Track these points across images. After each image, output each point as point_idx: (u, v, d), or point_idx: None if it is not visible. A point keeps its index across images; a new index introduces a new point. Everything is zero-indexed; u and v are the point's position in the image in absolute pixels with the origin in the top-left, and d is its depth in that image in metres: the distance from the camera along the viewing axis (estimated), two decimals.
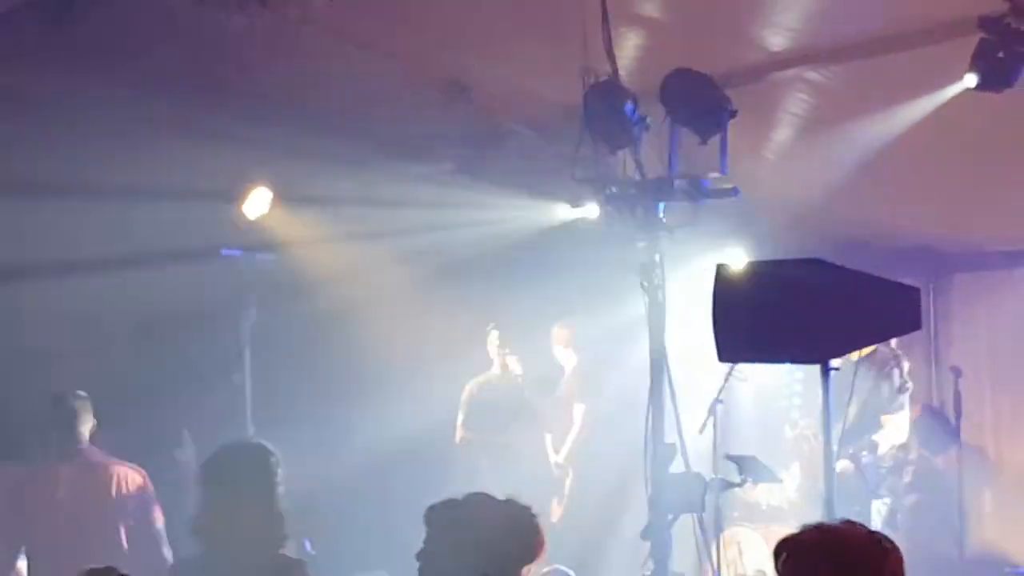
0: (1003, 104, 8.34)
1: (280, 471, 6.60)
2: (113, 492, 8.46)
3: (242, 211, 12.00)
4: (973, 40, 7.90)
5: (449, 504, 5.81)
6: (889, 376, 10.60)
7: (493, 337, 12.47)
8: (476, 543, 5.60)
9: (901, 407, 10.72)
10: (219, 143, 11.34)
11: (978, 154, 9.75)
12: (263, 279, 11.45)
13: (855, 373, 9.75)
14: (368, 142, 12.00)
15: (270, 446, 6.74)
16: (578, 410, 12.41)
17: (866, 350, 10.24)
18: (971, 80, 8.00)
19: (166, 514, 8.81)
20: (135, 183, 11.05)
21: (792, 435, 11.51)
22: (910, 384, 10.75)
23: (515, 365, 12.51)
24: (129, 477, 8.58)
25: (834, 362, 6.78)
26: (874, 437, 10.55)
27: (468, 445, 12.54)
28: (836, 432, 9.13)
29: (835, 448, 7.21)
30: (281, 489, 6.57)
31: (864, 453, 10.47)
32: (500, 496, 5.86)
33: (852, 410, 10.19)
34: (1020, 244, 11.92)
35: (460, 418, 12.38)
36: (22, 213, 10.80)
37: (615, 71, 7.06)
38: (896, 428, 10.69)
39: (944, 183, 10.47)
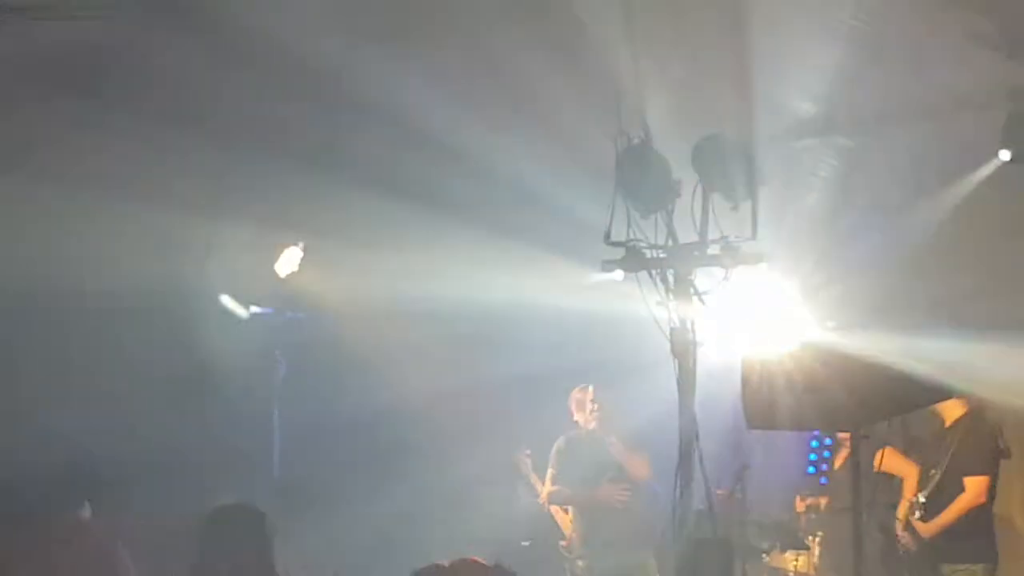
0: None
1: (274, 536, 6.64)
2: None
3: (274, 269, 12.05)
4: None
5: (435, 570, 5.78)
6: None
7: (589, 394, 12.43)
8: None
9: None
10: (252, 199, 11.45)
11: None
12: (293, 336, 11.54)
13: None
14: (399, 199, 12.07)
15: (263, 510, 6.79)
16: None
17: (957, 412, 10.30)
18: (1005, 155, 8.05)
19: None
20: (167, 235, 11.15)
21: (802, 508, 11.46)
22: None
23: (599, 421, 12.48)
24: None
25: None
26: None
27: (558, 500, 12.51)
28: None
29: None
30: (274, 553, 6.60)
31: None
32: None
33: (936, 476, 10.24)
34: None
35: (549, 474, 12.27)
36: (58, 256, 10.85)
37: (648, 135, 7.10)
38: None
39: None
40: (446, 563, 5.82)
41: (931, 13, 7.51)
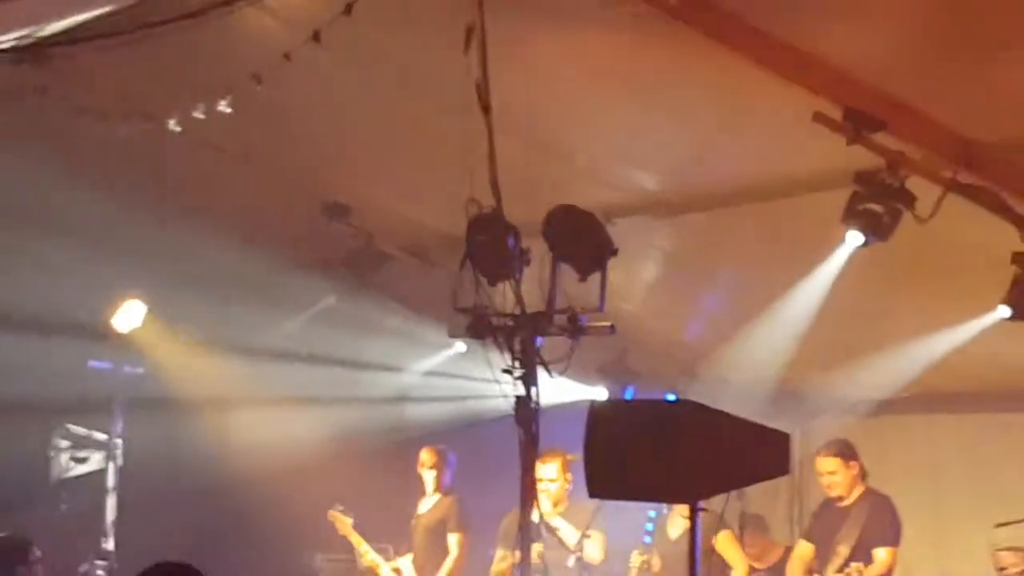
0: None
1: None
2: None
3: (112, 323, 11.91)
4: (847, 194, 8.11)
5: None
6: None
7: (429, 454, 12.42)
8: None
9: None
10: (93, 253, 11.30)
11: (850, 301, 9.95)
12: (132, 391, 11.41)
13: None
14: (245, 259, 12.01)
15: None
16: (453, 539, 12.33)
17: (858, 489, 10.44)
18: (855, 238, 8.21)
19: None
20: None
21: (637, 563, 11.45)
22: None
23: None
24: None
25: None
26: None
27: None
28: None
29: None
30: None
31: None
32: None
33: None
34: (879, 393, 12.14)
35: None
36: None
37: (499, 203, 7.12)
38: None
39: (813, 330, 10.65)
40: None
41: (776, 91, 7.64)
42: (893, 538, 10.35)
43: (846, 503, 10.51)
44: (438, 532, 12.34)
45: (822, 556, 10.56)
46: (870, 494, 10.52)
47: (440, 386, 13.74)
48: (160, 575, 6.28)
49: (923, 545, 12.38)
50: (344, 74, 9.02)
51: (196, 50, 8.85)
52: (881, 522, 10.36)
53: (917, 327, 10.33)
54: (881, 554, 10.26)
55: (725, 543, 11.20)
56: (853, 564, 10.20)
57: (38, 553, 9.19)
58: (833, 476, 10.50)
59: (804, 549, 10.85)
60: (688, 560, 6.84)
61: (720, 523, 10.98)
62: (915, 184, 7.98)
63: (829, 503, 10.71)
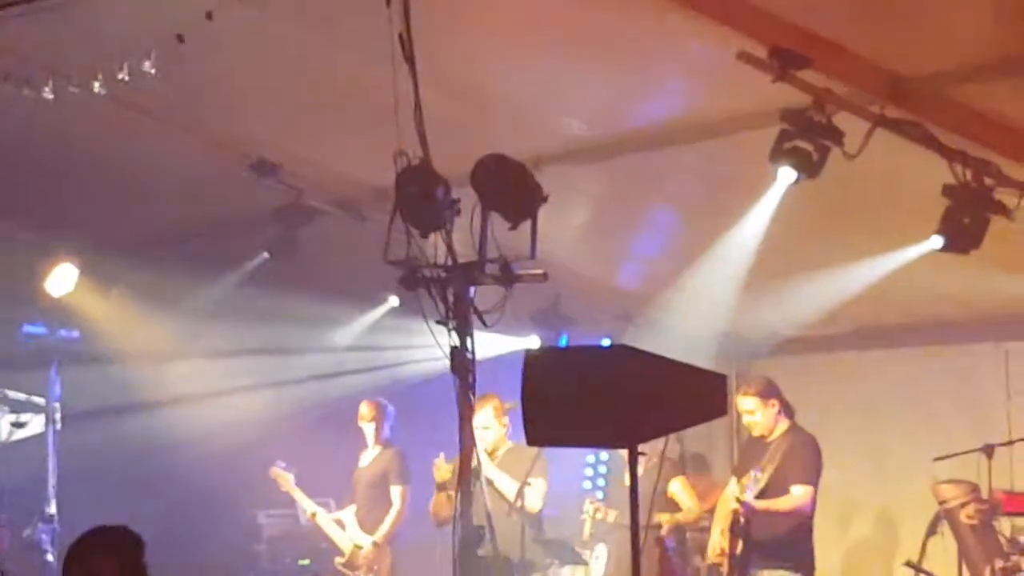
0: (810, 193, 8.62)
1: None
2: None
3: (45, 288, 11.82)
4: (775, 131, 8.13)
5: None
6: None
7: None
8: None
9: None
10: (23, 219, 11.21)
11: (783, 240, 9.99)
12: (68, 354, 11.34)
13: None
14: (176, 219, 11.95)
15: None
16: (396, 491, 12.34)
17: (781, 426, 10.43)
18: (787, 174, 8.23)
19: None
20: None
21: (590, 512, 11.50)
22: None
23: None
24: None
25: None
26: None
27: None
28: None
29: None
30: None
31: None
32: None
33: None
34: (814, 331, 12.23)
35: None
36: None
37: (427, 155, 7.09)
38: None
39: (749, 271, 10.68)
40: None
41: (701, 32, 7.65)
42: (811, 477, 10.22)
43: (768, 439, 10.50)
44: (380, 485, 12.36)
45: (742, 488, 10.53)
46: (794, 431, 10.42)
47: (375, 349, 13.80)
48: (99, 538, 6.32)
49: (864, 482, 12.54)
50: (268, 30, 8.95)
51: (117, 12, 8.75)
52: (800, 458, 10.30)
53: (849, 262, 10.38)
54: (796, 491, 10.21)
55: (680, 487, 11.28)
56: (752, 474, 10.17)
57: (2, 518, 9.23)
58: (752, 415, 10.46)
59: (732, 485, 10.86)
60: (630, 503, 6.86)
61: (676, 469, 11.05)
62: (843, 120, 8.02)
63: (755, 439, 10.70)
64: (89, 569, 6.21)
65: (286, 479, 12.77)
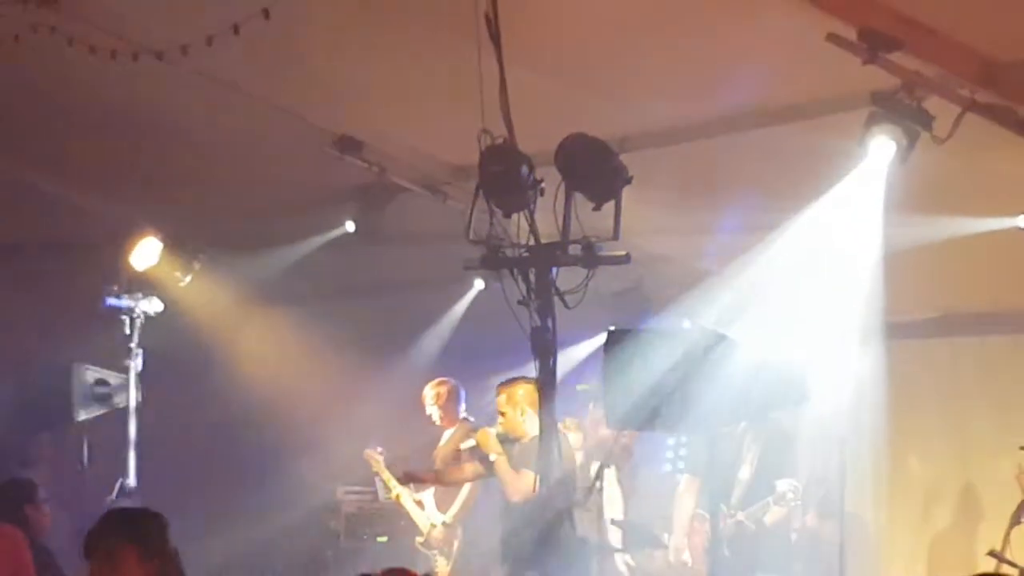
0: None
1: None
2: None
3: (129, 261, 11.88)
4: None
5: None
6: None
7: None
8: None
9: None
10: (109, 192, 11.27)
11: None
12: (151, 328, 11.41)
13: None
14: (261, 195, 11.99)
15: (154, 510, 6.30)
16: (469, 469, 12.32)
17: None
18: (878, 156, 8.16)
19: None
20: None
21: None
22: None
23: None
24: None
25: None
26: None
27: None
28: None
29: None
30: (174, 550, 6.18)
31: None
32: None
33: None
34: (900, 317, 12.10)
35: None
36: None
37: (511, 133, 7.05)
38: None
39: None
40: (378, 573, 5.64)
41: (791, 12, 7.56)
42: None
43: None
44: (454, 464, 12.35)
45: None
46: None
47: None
48: (116, 523, 6.10)
49: (948, 469, 12.39)
50: (352, 7, 8.95)
51: None
52: None
53: (937, 247, 10.25)
54: None
55: None
56: None
57: (43, 495, 9.37)
58: None
59: None
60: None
61: None
62: (933, 104, 7.91)
63: None
64: (108, 557, 5.93)
65: (378, 461, 12.76)
